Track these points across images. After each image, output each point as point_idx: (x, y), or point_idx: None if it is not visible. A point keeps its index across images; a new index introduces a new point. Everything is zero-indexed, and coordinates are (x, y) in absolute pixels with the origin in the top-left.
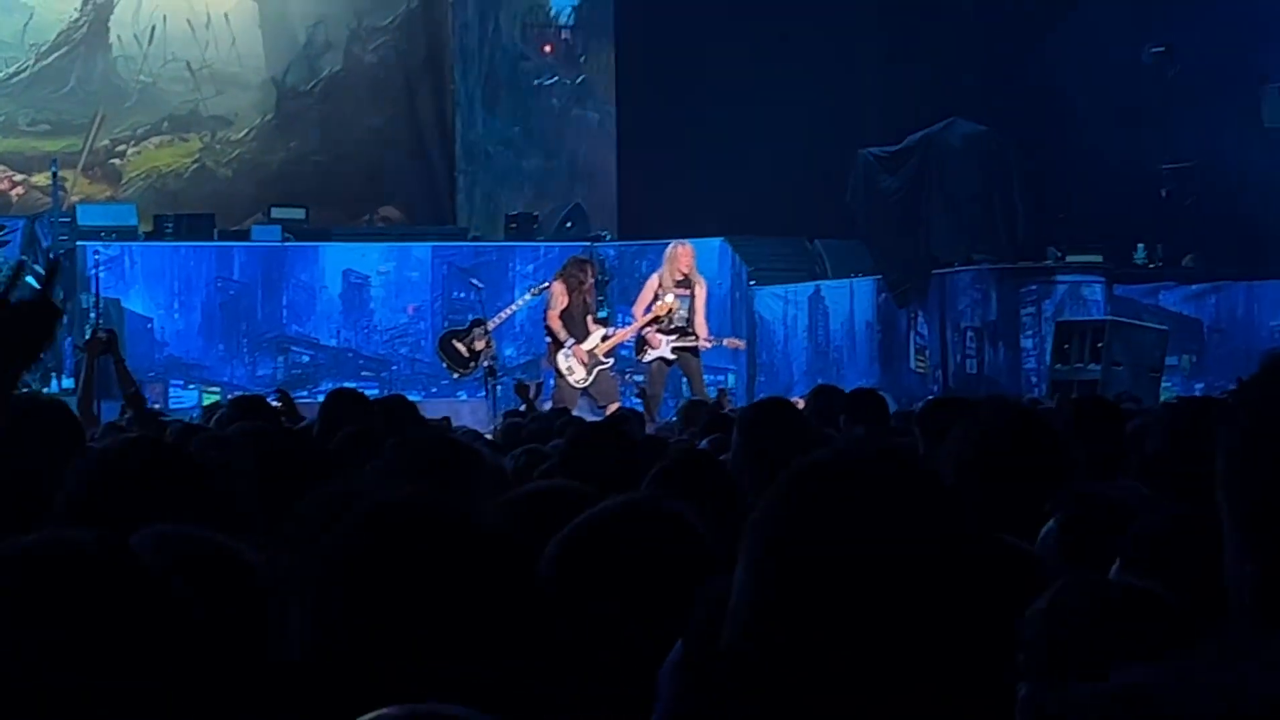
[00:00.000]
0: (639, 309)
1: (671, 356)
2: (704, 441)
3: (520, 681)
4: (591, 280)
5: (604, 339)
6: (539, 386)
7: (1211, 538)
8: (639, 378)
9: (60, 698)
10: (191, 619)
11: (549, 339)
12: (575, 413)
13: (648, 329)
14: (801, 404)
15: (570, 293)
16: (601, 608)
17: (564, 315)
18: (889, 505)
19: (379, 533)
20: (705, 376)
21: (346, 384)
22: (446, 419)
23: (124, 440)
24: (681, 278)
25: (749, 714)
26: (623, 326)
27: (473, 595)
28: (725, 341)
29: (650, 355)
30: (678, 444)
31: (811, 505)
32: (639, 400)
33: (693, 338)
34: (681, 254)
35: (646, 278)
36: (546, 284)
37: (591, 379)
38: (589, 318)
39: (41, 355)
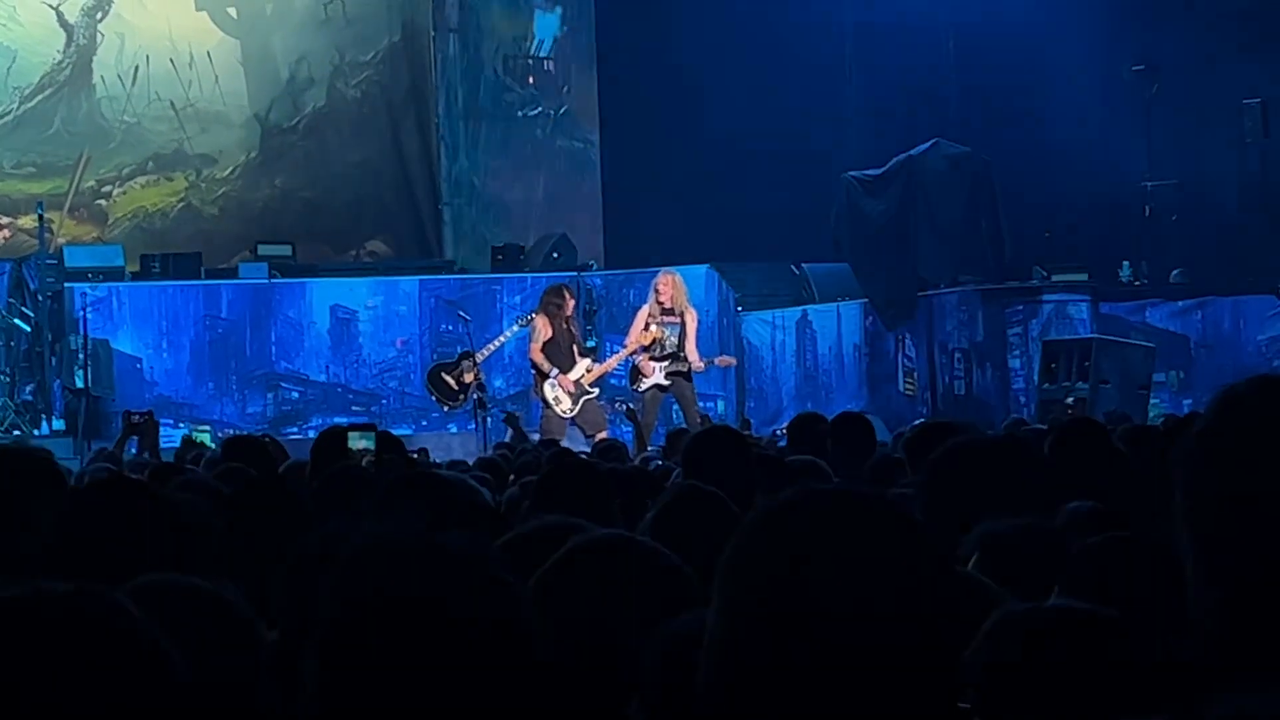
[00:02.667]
0: (631, 338)
1: (666, 383)
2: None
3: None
4: (571, 307)
5: (589, 369)
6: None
7: (1147, 560)
8: (630, 403)
9: None
10: (176, 675)
11: (534, 372)
12: (565, 443)
13: (638, 357)
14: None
15: (552, 323)
16: (577, 645)
17: (548, 346)
18: (854, 546)
19: (368, 579)
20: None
21: (337, 419)
22: (424, 450)
23: (98, 481)
24: (668, 307)
25: None
26: (610, 356)
27: (469, 638)
28: (717, 361)
29: (645, 384)
30: (667, 477)
31: (779, 546)
32: (628, 427)
33: (685, 363)
34: (664, 284)
35: (635, 306)
36: (532, 315)
37: (578, 409)
38: (575, 346)
39: None
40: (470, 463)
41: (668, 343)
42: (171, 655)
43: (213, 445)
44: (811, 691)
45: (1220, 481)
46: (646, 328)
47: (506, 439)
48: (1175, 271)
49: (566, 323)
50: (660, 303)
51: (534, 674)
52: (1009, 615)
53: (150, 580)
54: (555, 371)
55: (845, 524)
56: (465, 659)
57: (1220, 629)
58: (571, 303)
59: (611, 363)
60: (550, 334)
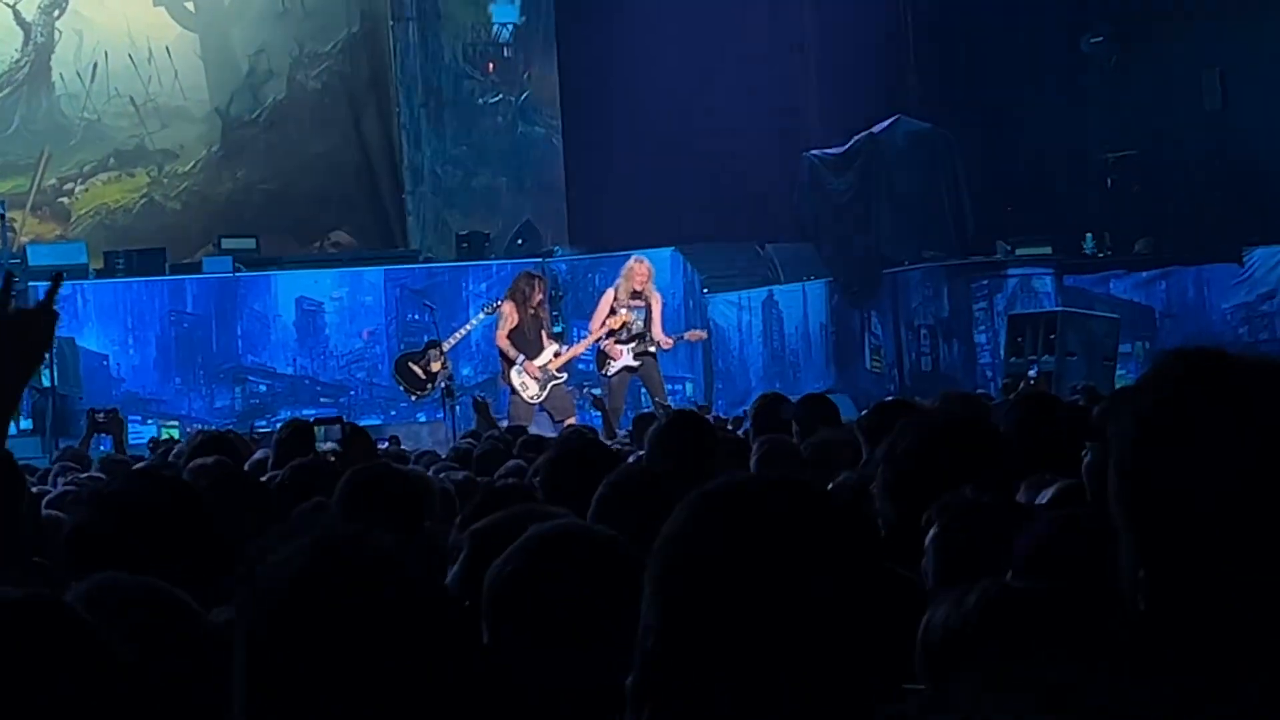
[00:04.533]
0: (596, 323)
1: (636, 364)
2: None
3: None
4: (540, 295)
5: (557, 354)
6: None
7: (1100, 538)
8: (596, 390)
9: None
10: (130, 677)
11: (501, 358)
12: (533, 429)
13: (605, 342)
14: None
15: (519, 309)
16: (536, 635)
17: (515, 333)
18: (785, 532)
19: (306, 576)
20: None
21: (305, 411)
22: (395, 439)
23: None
24: (637, 291)
25: None
26: (577, 341)
27: (406, 642)
28: (687, 335)
29: (614, 367)
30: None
31: (710, 532)
32: (596, 413)
33: (652, 344)
34: (637, 270)
35: (600, 290)
36: (500, 302)
37: (545, 394)
38: (543, 333)
39: (42, 361)
40: (442, 455)
41: (634, 325)
42: (121, 661)
43: (181, 441)
44: (742, 677)
45: (1155, 462)
46: (613, 312)
47: (475, 426)
48: (1139, 242)
49: (535, 309)
50: (636, 286)
51: (450, 672)
52: (973, 590)
53: (103, 579)
54: (521, 358)
55: (771, 512)
56: (376, 661)
57: (1147, 605)
58: (541, 290)
59: (579, 348)
60: (517, 321)
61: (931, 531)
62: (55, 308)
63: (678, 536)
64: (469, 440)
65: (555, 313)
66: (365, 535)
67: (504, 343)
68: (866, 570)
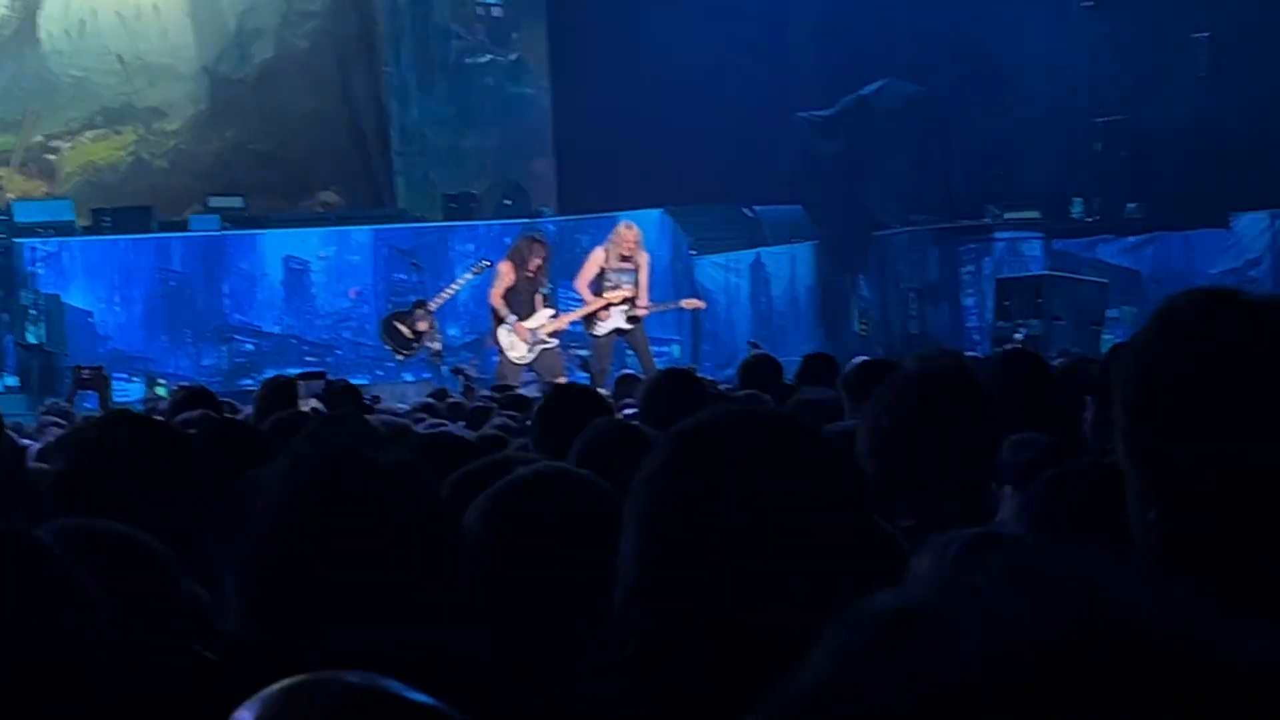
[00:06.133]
0: (581, 283)
1: (628, 326)
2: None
3: (440, 642)
4: (539, 260)
5: (550, 318)
6: (468, 377)
7: (1114, 487)
8: (583, 352)
9: None
10: (98, 611)
11: (492, 316)
12: (522, 390)
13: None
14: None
15: (515, 270)
16: (518, 570)
17: (509, 293)
18: (763, 465)
19: (300, 486)
20: (651, 348)
21: (291, 370)
22: (376, 398)
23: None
24: (625, 256)
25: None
26: (563, 303)
27: (393, 546)
28: (684, 303)
29: (602, 328)
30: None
31: (688, 466)
32: (583, 374)
33: (641, 309)
34: (626, 234)
35: (587, 252)
36: (487, 261)
37: (534, 356)
38: (537, 296)
39: None
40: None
41: (625, 289)
42: (92, 591)
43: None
44: (722, 611)
45: (1156, 398)
46: (602, 274)
47: (458, 391)
48: (1129, 207)
49: (534, 273)
50: (622, 253)
51: (461, 582)
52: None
53: (69, 524)
54: (513, 318)
55: (751, 442)
56: (394, 560)
57: (1156, 547)
58: (539, 255)
59: (573, 315)
60: (513, 280)
61: (1017, 494)
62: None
63: (657, 470)
64: (428, 401)
65: None
66: (362, 451)
67: (497, 301)
68: (848, 502)
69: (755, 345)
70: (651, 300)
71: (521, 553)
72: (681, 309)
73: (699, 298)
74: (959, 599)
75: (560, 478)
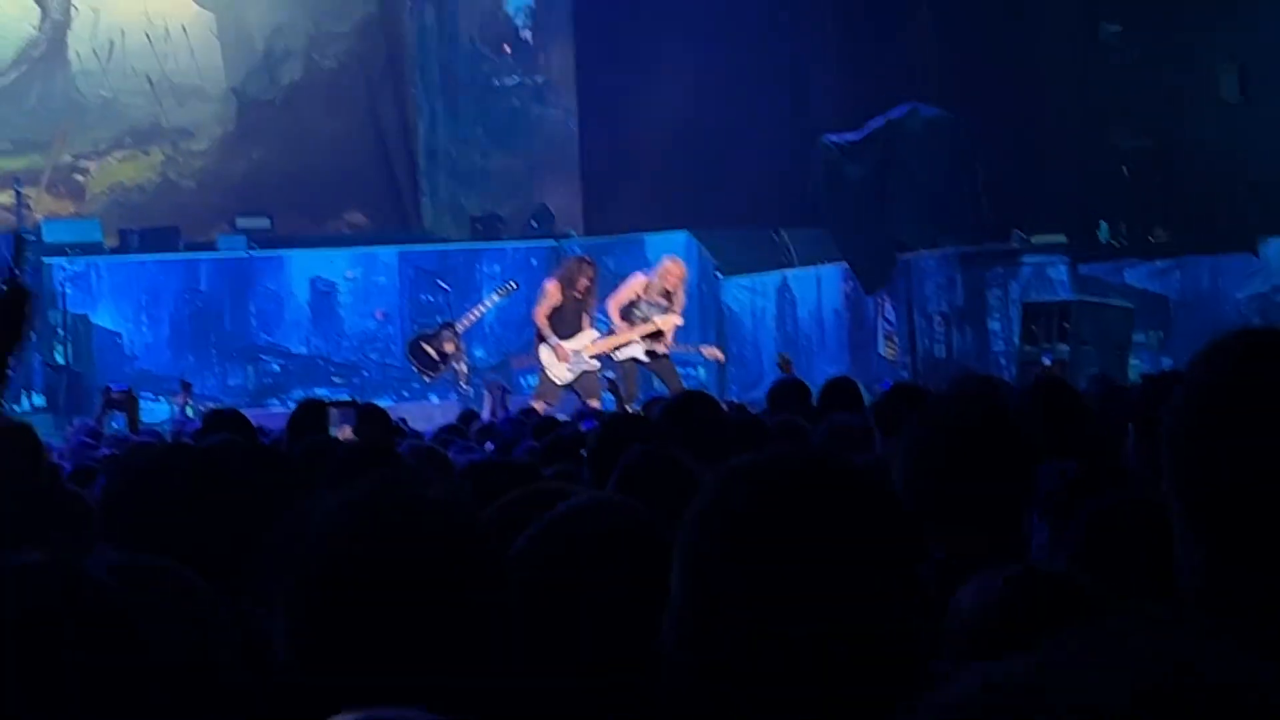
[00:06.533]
0: (614, 305)
1: (645, 359)
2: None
3: (486, 679)
4: (586, 282)
5: (594, 342)
6: (502, 389)
7: (1159, 523)
8: (609, 374)
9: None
10: (145, 641)
11: (536, 334)
12: (558, 411)
13: (618, 325)
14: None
15: (563, 290)
16: (563, 603)
17: (554, 313)
18: (811, 510)
19: (349, 524)
20: (679, 370)
21: (319, 391)
22: (403, 420)
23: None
24: (668, 292)
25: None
26: (601, 327)
27: (440, 583)
28: (705, 352)
29: (622, 354)
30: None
31: (738, 505)
32: (610, 396)
33: (662, 348)
34: (674, 269)
35: (614, 274)
36: (514, 283)
37: (574, 377)
38: (585, 316)
39: (22, 339)
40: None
41: (655, 321)
42: (141, 624)
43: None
44: (772, 658)
45: (1207, 436)
46: (636, 310)
47: (483, 409)
48: (1156, 231)
49: (582, 295)
50: (666, 288)
51: (506, 615)
52: (998, 577)
53: (115, 556)
54: (555, 338)
55: (805, 487)
56: (439, 598)
57: (1203, 588)
58: (586, 277)
59: (615, 340)
60: (559, 300)
61: (1048, 522)
62: (26, 285)
63: (707, 510)
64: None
65: None
66: (414, 484)
67: (541, 320)
68: (895, 544)
69: (785, 359)
70: (676, 341)
71: (569, 587)
72: (703, 356)
73: (723, 319)
74: (1052, 675)
75: (606, 510)
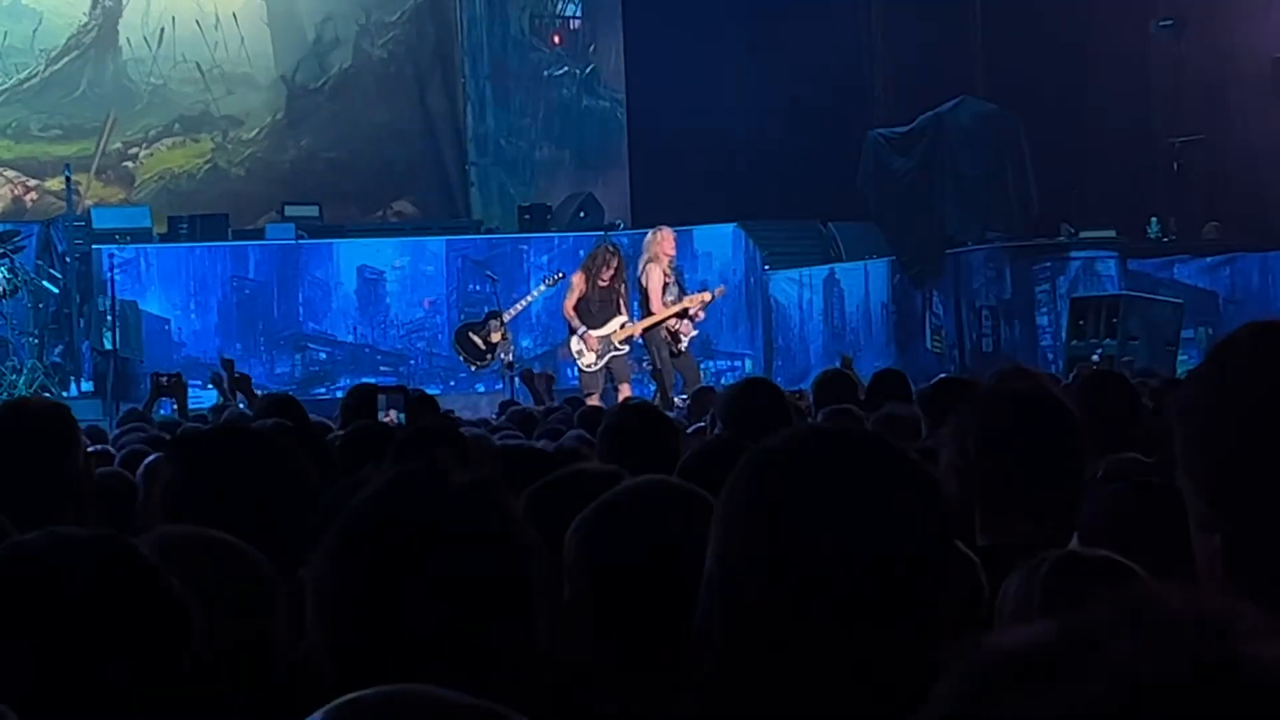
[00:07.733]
0: (656, 302)
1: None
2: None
3: (517, 664)
4: (611, 271)
5: (622, 326)
6: (549, 379)
7: (1171, 508)
8: (645, 361)
9: (58, 693)
10: (189, 617)
11: (568, 327)
12: (599, 399)
13: (673, 320)
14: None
15: (588, 280)
16: (620, 586)
17: (580, 303)
18: (849, 486)
19: (372, 509)
20: (721, 363)
21: (365, 380)
22: (449, 412)
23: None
24: (670, 255)
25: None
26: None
27: (467, 570)
28: (715, 293)
29: (685, 341)
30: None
31: (772, 485)
32: (651, 380)
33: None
34: (667, 237)
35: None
36: (561, 273)
37: (602, 364)
38: (617, 302)
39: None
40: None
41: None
42: (185, 601)
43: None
44: (803, 632)
45: (1217, 426)
46: (667, 287)
47: (529, 401)
48: (1207, 227)
49: (610, 281)
50: (668, 254)
51: (537, 602)
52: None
53: (170, 531)
54: (583, 328)
55: (838, 463)
56: (468, 584)
57: (1220, 572)
58: (611, 266)
59: (646, 324)
60: (585, 290)
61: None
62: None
63: (740, 488)
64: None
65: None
66: (445, 473)
67: (568, 311)
68: (932, 521)
69: (847, 359)
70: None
71: (623, 566)
72: (714, 297)
73: (771, 312)
74: (1078, 640)
75: (666, 490)
